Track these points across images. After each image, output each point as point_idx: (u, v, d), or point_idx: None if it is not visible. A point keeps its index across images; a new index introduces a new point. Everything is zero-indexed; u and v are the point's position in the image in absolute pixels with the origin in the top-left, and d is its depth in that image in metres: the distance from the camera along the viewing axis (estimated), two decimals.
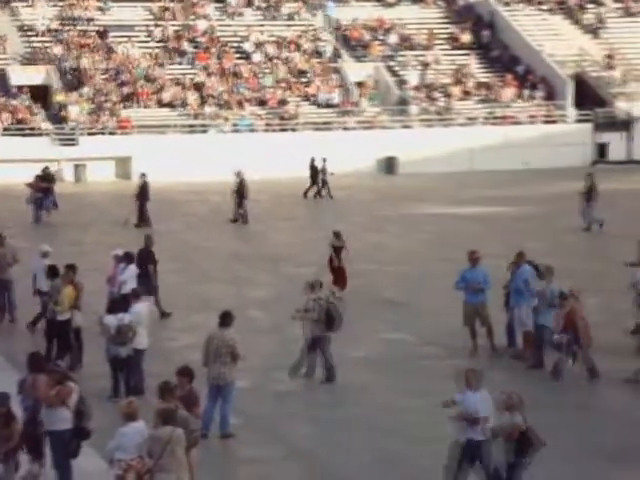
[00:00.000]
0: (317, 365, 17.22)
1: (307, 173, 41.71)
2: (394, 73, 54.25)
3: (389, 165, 49.45)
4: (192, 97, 49.94)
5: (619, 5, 59.28)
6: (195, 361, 14.91)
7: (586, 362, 17.28)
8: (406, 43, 55.93)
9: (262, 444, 14.73)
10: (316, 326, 17.15)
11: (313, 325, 17.16)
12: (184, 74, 51.63)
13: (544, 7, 58.93)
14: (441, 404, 12.54)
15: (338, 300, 20.13)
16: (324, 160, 41.56)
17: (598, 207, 32.22)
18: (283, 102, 50.70)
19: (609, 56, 55.50)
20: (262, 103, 50.99)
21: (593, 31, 57.57)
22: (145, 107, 49.57)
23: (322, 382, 17.10)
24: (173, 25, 54.57)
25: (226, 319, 15.07)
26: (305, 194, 41.27)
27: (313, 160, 41.99)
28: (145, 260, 21.47)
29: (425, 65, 54.60)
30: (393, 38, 55.92)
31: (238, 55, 53.78)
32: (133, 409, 11.52)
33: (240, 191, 34.65)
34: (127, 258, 20.45)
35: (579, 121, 52.67)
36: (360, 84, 52.79)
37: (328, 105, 51.54)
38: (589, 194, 32.49)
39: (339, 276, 23.68)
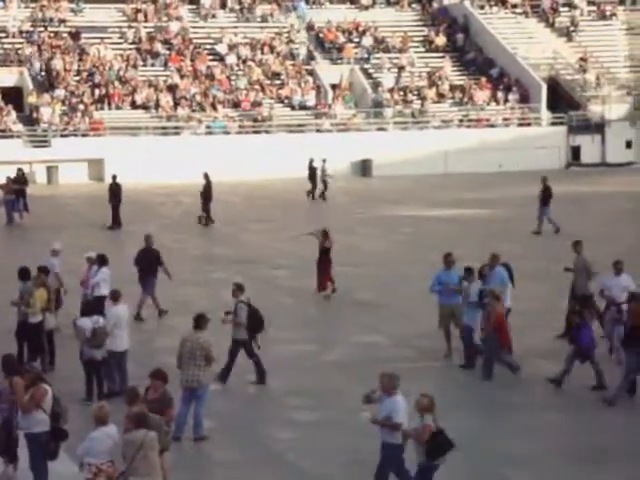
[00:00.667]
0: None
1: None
2: (369, 75, 54.25)
3: (364, 167, 49.42)
4: (165, 99, 49.71)
5: (592, 8, 59.54)
6: (170, 364, 14.77)
7: (505, 362, 17.49)
8: (381, 46, 55.94)
9: (236, 447, 14.59)
10: (239, 329, 16.97)
11: (236, 328, 16.98)
12: (157, 76, 51.40)
13: (518, 10, 59.11)
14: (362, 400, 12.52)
15: (326, 299, 20.08)
16: (324, 161, 41.72)
17: (553, 210, 32.13)
18: (257, 104, 50.57)
19: (583, 59, 55.73)
20: (236, 105, 50.84)
21: (567, 34, 57.80)
22: (118, 109, 49.31)
23: (253, 383, 17.05)
24: (146, 27, 54.33)
25: (200, 322, 14.99)
26: (312, 196, 41.25)
27: (312, 161, 42.07)
28: (149, 259, 21.79)
29: (400, 68, 54.61)
30: (368, 40, 55.91)
31: (211, 57, 53.61)
32: (104, 413, 11.36)
33: (205, 193, 34.55)
34: (100, 260, 20.26)
35: (553, 124, 52.85)
36: (334, 86, 52.73)
37: (302, 107, 51.45)
38: (544, 197, 32.32)
39: (325, 278, 23.40)
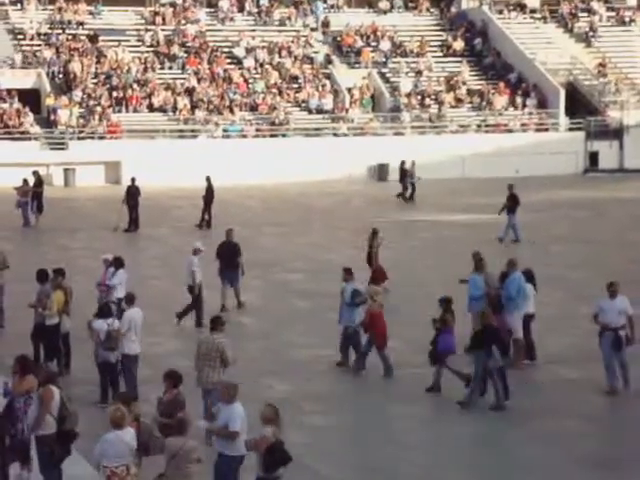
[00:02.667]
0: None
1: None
2: (386, 80, 54.18)
3: (380, 172, 49.31)
4: (182, 102, 49.75)
5: (611, 14, 59.32)
6: (183, 367, 14.73)
7: (382, 360, 17.73)
8: (398, 50, 55.87)
9: (249, 452, 14.53)
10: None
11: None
12: (175, 79, 51.45)
13: (537, 15, 58.94)
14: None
15: (385, 292, 20.11)
16: (413, 163, 42.13)
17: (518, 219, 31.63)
18: (274, 108, 50.56)
19: (601, 64, 55.52)
20: (253, 109, 50.83)
21: (585, 39, 57.59)
22: (135, 112, 49.36)
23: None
24: (164, 30, 54.40)
25: (216, 323, 15.03)
26: (404, 198, 41.50)
27: (403, 163, 42.54)
28: (230, 252, 22.36)
29: (417, 72, 54.52)
30: (385, 45, 55.84)
31: (229, 60, 53.63)
32: (119, 416, 11.30)
33: (207, 197, 34.56)
34: (117, 262, 20.25)
35: (571, 129, 52.64)
36: (352, 90, 52.68)
37: (319, 111, 51.41)
38: (510, 204, 31.79)
39: (379, 274, 23.77)
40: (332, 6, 58.51)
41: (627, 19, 58.83)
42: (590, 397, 16.63)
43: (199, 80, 51.51)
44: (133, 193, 34.11)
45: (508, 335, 17.72)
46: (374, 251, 24.77)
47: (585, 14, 58.95)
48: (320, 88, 52.21)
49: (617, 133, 52.53)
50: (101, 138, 47.58)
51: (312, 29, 56.49)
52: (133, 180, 34.80)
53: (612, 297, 16.72)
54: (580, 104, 54.08)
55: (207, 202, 34.56)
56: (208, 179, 35.04)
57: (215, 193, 34.81)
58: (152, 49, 53.34)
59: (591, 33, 57.69)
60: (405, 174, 42.17)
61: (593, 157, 52.25)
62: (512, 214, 31.82)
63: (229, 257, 22.45)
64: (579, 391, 16.98)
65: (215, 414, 12.33)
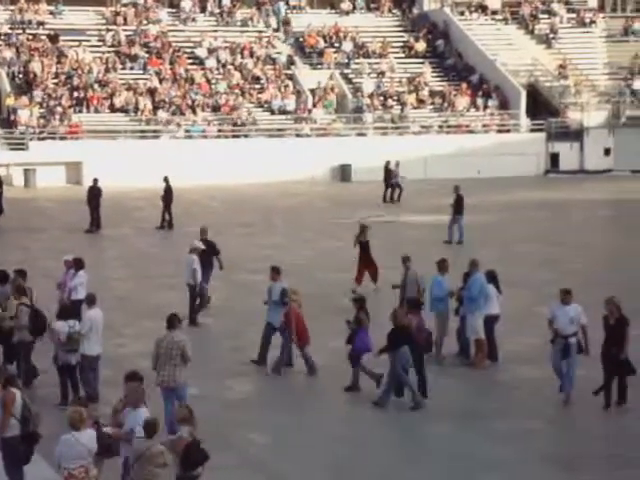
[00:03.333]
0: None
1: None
2: (349, 81, 54.24)
3: (343, 172, 49.37)
4: (144, 102, 49.52)
5: (572, 15, 59.73)
6: (145, 368, 14.65)
7: (305, 359, 17.89)
8: (361, 51, 55.96)
9: (214, 452, 14.45)
10: (19, 332, 16.77)
11: (16, 331, 16.80)
12: (136, 79, 51.22)
13: (498, 17, 59.26)
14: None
15: (375, 292, 20.24)
16: (397, 164, 42.26)
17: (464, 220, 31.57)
18: (236, 108, 50.45)
19: (562, 66, 55.90)
20: (215, 109, 50.71)
21: (546, 41, 57.96)
22: (97, 112, 49.08)
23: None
24: (125, 30, 54.13)
25: (173, 321, 15.03)
26: (386, 198, 41.61)
27: (388, 163, 42.58)
28: (207, 250, 22.47)
29: (380, 73, 54.63)
30: (348, 46, 55.90)
31: (191, 61, 53.48)
32: (76, 418, 11.21)
33: (166, 197, 34.46)
34: (77, 264, 20.10)
35: (532, 131, 52.96)
36: (314, 91, 52.69)
37: (282, 112, 51.37)
38: (456, 206, 31.70)
39: (372, 271, 24.42)
40: (294, 7, 58.52)
41: (587, 21, 59.25)
42: (552, 397, 16.70)
43: (161, 80, 51.32)
44: (95, 194, 33.92)
45: (428, 334, 17.81)
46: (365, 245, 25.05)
47: (546, 16, 59.34)
48: (283, 89, 52.18)
49: (577, 134, 52.91)
50: (62, 138, 47.26)
51: (274, 30, 56.47)
52: (95, 181, 34.61)
53: (564, 304, 16.44)
54: (541, 105, 54.43)
55: (166, 203, 34.45)
56: (166, 179, 34.91)
57: (174, 193, 34.68)
58: (113, 49, 53.07)
59: (552, 35, 58.07)
60: (390, 175, 42.26)
61: (554, 158, 52.59)
62: (459, 215, 31.69)
63: (205, 255, 22.56)
64: (540, 391, 17.06)
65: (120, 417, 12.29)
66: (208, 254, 22.67)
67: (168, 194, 34.52)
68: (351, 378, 16.94)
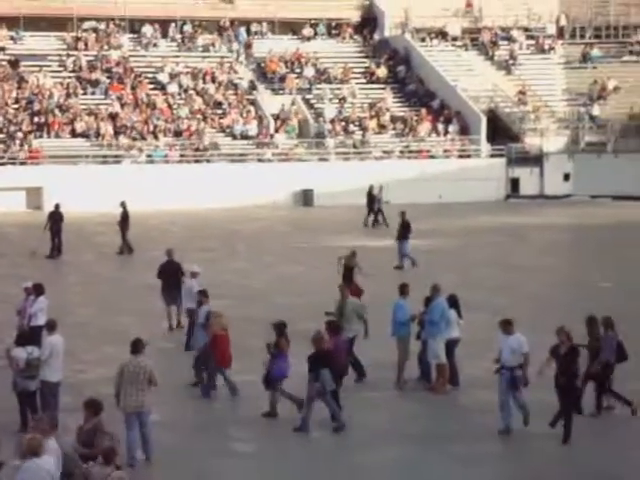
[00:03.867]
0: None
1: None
2: (310, 106, 54.45)
3: (305, 197, 49.50)
4: (106, 127, 49.43)
5: (531, 42, 60.37)
6: (108, 394, 14.57)
7: (225, 382, 17.95)
8: (322, 76, 56.23)
9: (177, 479, 14.44)
10: None
11: None
12: (98, 104, 51.14)
13: (458, 43, 59.79)
14: None
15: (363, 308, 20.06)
16: (380, 188, 42.69)
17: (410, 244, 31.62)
18: (198, 133, 50.48)
19: (521, 92, 56.44)
20: (177, 134, 50.71)
21: (506, 67, 58.53)
22: (57, 137, 48.92)
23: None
24: (86, 55, 54.06)
25: (138, 346, 14.97)
26: (372, 223, 41.87)
27: (371, 188, 42.77)
28: (172, 271, 22.81)
29: (341, 99, 54.89)
30: (309, 71, 56.15)
31: (153, 86, 53.48)
32: (35, 445, 11.11)
33: (122, 222, 34.37)
34: (37, 290, 19.98)
35: (493, 156, 53.38)
36: (276, 116, 52.84)
37: (244, 137, 51.45)
38: (402, 231, 31.71)
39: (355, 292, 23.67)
40: (256, 32, 58.72)
41: (546, 47, 59.93)
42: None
43: (122, 105, 51.28)
44: (56, 219, 33.75)
45: (347, 358, 17.78)
46: (355, 271, 24.95)
47: (505, 42, 59.93)
48: (244, 114, 52.28)
49: (537, 160, 53.40)
50: (22, 164, 47.06)
51: (237, 55, 56.60)
52: (57, 206, 34.46)
53: (506, 334, 16.15)
54: (501, 131, 54.92)
55: (123, 228, 34.34)
56: (123, 204, 34.81)
57: (131, 218, 34.54)
58: (74, 74, 52.99)
59: (511, 61, 58.67)
60: (373, 199, 42.48)
61: (514, 183, 53.04)
62: (405, 240, 31.64)
63: (171, 276, 22.69)
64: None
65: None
66: (173, 276, 22.72)
67: (125, 219, 34.41)
68: (268, 404, 16.92)
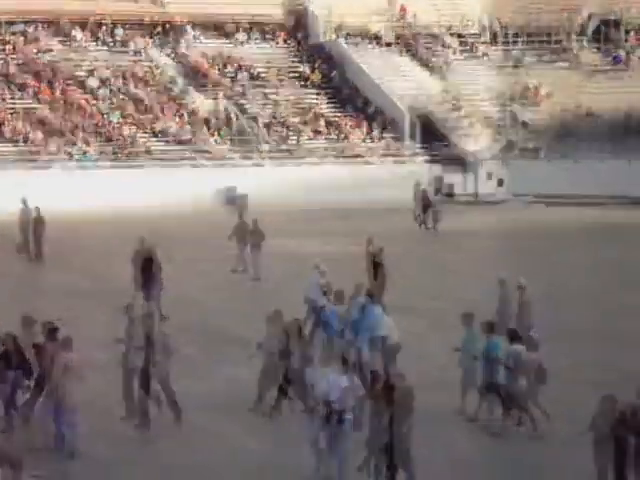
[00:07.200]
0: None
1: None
2: (244, 110, 54.02)
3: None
4: (34, 132, 48.52)
5: (465, 47, 60.54)
6: None
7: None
8: (256, 81, 55.82)
9: None
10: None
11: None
12: (26, 108, 50.22)
13: (392, 49, 59.74)
14: None
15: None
16: (423, 191, 43.03)
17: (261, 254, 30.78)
18: (129, 137, 49.78)
19: (455, 97, 56.53)
20: (108, 139, 49.96)
21: (439, 72, 58.61)
22: None
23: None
24: (15, 58, 53.10)
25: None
26: (421, 224, 42.33)
27: (422, 189, 43.38)
28: (146, 260, 23.47)
29: (275, 103, 54.54)
30: (243, 75, 55.72)
31: (83, 90, 52.66)
32: None
33: (35, 227, 33.70)
34: None
35: (427, 161, 53.35)
36: (209, 120, 52.34)
37: (176, 141, 50.87)
38: (255, 239, 30.62)
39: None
40: (189, 36, 58.12)
41: (480, 52, 60.15)
42: (445, 425, 16.50)
43: (52, 110, 50.41)
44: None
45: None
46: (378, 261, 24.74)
47: (439, 48, 60.02)
48: (177, 118, 51.69)
49: (471, 164, 53.50)
50: None
51: (169, 58, 56.04)
52: (24, 201, 33.91)
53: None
54: (435, 136, 54.96)
55: (36, 232, 33.71)
56: (37, 209, 34.16)
57: (45, 224, 33.92)
58: (2, 78, 51.97)
59: (444, 66, 58.77)
60: (428, 201, 42.81)
61: (448, 188, 53.02)
62: (257, 249, 30.61)
63: (144, 265, 23.42)
64: (438, 416, 16.87)
65: None
66: (148, 265, 23.37)
67: (39, 224, 33.76)
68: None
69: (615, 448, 12.53)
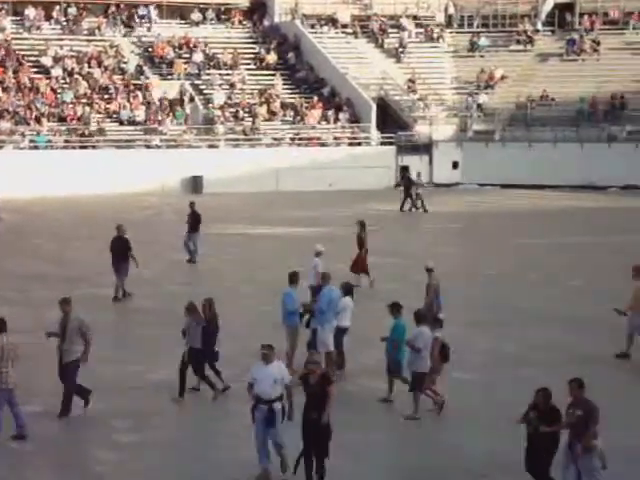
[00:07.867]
0: None
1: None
2: (200, 92, 53.76)
3: (194, 184, 48.86)
4: None
5: (420, 30, 60.64)
6: None
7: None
8: (211, 62, 55.56)
9: (55, 470, 13.93)
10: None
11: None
12: None
13: (348, 30, 59.71)
14: None
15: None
16: (418, 174, 43.90)
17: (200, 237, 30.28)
18: (83, 118, 49.38)
19: (411, 80, 56.67)
20: (61, 119, 49.51)
21: (395, 55, 58.69)
22: None
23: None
24: None
25: (3, 325, 14.73)
26: (402, 208, 42.80)
27: (407, 172, 44.36)
28: (121, 246, 24.40)
29: (231, 85, 54.33)
30: (198, 57, 55.42)
31: (36, 70, 52.11)
32: None
33: None
34: None
35: (383, 144, 53.48)
36: (165, 102, 52.02)
37: (131, 122, 50.52)
38: (192, 223, 30.02)
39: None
40: (143, 17, 57.68)
41: (435, 36, 60.27)
42: (396, 410, 16.63)
43: (4, 89, 49.85)
44: None
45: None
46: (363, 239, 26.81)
47: (395, 30, 60.07)
48: (132, 99, 51.33)
49: (426, 148, 53.69)
50: None
51: (124, 39, 55.55)
52: None
53: (266, 363, 13.44)
54: (391, 119, 55.08)
55: None
56: None
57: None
58: None
59: (401, 49, 58.85)
60: (410, 184, 43.44)
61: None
62: (194, 232, 29.90)
63: (120, 251, 24.31)
64: (386, 404, 16.99)
65: None
66: (122, 250, 24.24)
67: None
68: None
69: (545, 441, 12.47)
